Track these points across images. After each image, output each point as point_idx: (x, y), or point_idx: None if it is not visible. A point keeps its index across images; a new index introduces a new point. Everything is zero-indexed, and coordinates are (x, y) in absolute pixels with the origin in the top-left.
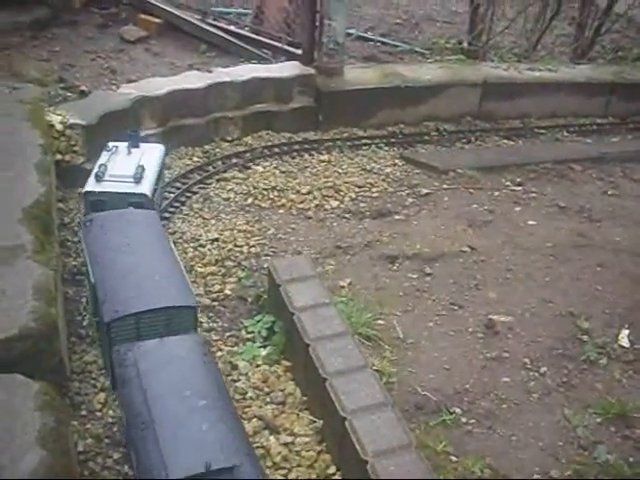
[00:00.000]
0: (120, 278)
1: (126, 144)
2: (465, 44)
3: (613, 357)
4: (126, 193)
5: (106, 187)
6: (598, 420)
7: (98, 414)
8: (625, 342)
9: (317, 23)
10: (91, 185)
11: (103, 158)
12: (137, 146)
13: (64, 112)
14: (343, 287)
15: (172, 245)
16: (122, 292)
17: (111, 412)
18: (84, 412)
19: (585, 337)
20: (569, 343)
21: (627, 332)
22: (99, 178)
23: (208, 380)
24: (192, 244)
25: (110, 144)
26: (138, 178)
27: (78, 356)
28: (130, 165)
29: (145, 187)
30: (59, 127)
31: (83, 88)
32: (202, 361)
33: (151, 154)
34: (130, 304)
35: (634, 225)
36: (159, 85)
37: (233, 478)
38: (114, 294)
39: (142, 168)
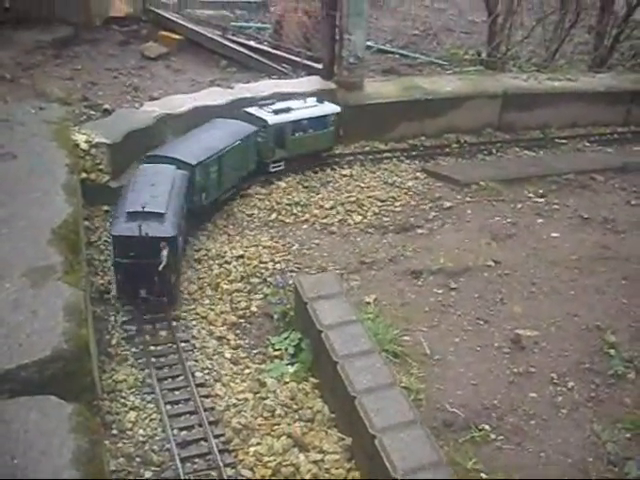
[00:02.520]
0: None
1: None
2: (484, 55)
3: None
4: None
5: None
6: (627, 435)
7: (129, 433)
8: None
9: (337, 37)
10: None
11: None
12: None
13: (89, 131)
14: (369, 303)
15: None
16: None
17: (141, 431)
18: (115, 431)
19: (612, 351)
20: (596, 357)
21: None
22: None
23: None
24: (217, 261)
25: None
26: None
27: (108, 375)
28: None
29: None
30: (84, 146)
31: (107, 106)
32: None
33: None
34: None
35: None
36: (181, 102)
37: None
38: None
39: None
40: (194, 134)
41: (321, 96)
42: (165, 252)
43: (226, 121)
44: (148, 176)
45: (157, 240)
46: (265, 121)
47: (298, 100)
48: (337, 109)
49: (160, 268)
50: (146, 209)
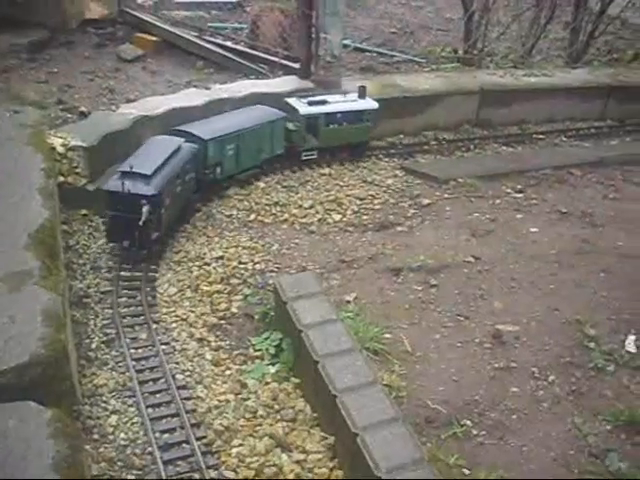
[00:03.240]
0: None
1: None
2: (461, 52)
3: (621, 363)
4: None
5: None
6: (608, 427)
7: (110, 437)
8: (632, 348)
9: (313, 36)
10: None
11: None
12: (363, 98)
13: (65, 134)
14: (349, 302)
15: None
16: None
17: (123, 435)
18: (96, 436)
19: (592, 344)
20: (576, 351)
21: (634, 338)
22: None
23: None
24: (197, 263)
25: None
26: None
27: (88, 379)
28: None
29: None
30: (60, 150)
31: (83, 109)
32: None
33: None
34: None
35: (636, 229)
36: (158, 104)
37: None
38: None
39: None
40: (224, 115)
41: (362, 91)
42: (145, 209)
43: (258, 107)
44: (153, 144)
45: (138, 197)
46: (297, 111)
47: (338, 94)
48: (375, 105)
49: (140, 223)
50: (134, 169)
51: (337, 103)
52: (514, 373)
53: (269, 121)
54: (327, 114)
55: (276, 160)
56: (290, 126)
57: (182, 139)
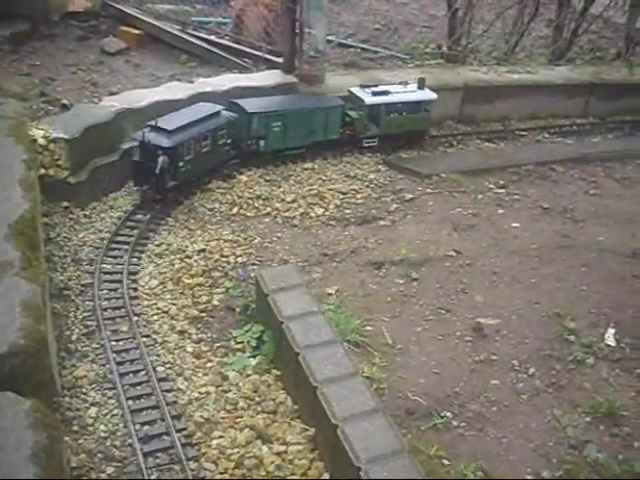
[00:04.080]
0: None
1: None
2: (445, 48)
3: (600, 356)
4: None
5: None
6: (587, 419)
7: (90, 429)
8: (611, 341)
9: (297, 31)
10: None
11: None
12: (422, 89)
13: (47, 126)
14: (330, 294)
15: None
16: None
17: (103, 427)
18: (76, 427)
19: (572, 337)
20: (556, 344)
21: (613, 331)
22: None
23: None
24: (179, 255)
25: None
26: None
27: (68, 371)
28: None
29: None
30: (42, 142)
31: (65, 101)
32: None
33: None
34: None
35: (616, 224)
36: (141, 97)
37: None
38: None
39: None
40: (287, 96)
41: (421, 83)
42: (161, 159)
43: (324, 95)
44: (192, 108)
45: (156, 148)
46: (362, 100)
47: (399, 85)
48: (434, 96)
49: (157, 171)
50: (158, 124)
51: (398, 94)
52: (494, 366)
53: (323, 107)
54: (388, 104)
55: (332, 145)
56: (352, 114)
57: (222, 107)
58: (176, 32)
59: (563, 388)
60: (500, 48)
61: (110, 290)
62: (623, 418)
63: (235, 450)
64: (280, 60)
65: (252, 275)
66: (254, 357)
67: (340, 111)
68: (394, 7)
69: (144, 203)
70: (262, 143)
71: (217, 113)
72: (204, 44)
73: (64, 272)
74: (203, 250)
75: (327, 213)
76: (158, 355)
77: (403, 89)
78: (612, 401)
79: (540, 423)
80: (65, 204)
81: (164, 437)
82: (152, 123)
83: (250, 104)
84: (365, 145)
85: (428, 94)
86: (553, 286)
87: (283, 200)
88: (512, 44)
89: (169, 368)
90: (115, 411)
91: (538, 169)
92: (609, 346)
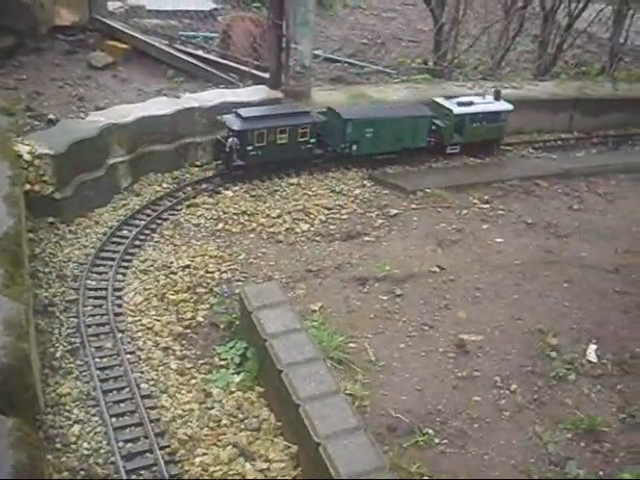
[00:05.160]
0: None
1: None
2: (431, 63)
3: (581, 372)
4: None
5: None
6: (568, 435)
7: (73, 446)
8: (593, 357)
9: (284, 46)
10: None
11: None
12: (499, 100)
13: (32, 142)
14: (315, 311)
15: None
16: None
17: (86, 444)
18: (59, 445)
19: (554, 353)
20: (538, 360)
21: (594, 347)
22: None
23: None
24: (163, 271)
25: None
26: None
27: (52, 388)
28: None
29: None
30: (27, 157)
31: (51, 116)
32: None
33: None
34: None
35: (599, 239)
36: (127, 112)
37: None
38: None
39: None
40: (379, 105)
41: (497, 94)
42: (230, 140)
43: (416, 104)
44: (282, 105)
45: (229, 130)
46: (451, 110)
47: (478, 96)
48: (510, 107)
49: (226, 149)
50: (238, 112)
51: (480, 104)
52: (477, 382)
53: (413, 116)
54: (472, 114)
55: (418, 152)
56: (439, 123)
57: (314, 110)
58: (163, 47)
59: (545, 404)
60: (486, 63)
61: (95, 306)
62: (604, 434)
63: (218, 467)
64: (266, 75)
65: (236, 291)
66: (238, 374)
67: (429, 120)
68: (381, 21)
69: (218, 174)
70: (355, 147)
71: (304, 113)
72: (191, 59)
73: (49, 288)
74: (188, 266)
75: (312, 229)
76: (142, 372)
77: (482, 100)
78: (593, 417)
79: (521, 439)
80: (50, 220)
81: (147, 454)
82: (237, 112)
83: (346, 111)
84: (448, 152)
85: (505, 105)
86: (536, 302)
87: (268, 215)
88: (498, 59)
89: (153, 385)
90: (98, 428)
91: (522, 184)
92: (590, 362)
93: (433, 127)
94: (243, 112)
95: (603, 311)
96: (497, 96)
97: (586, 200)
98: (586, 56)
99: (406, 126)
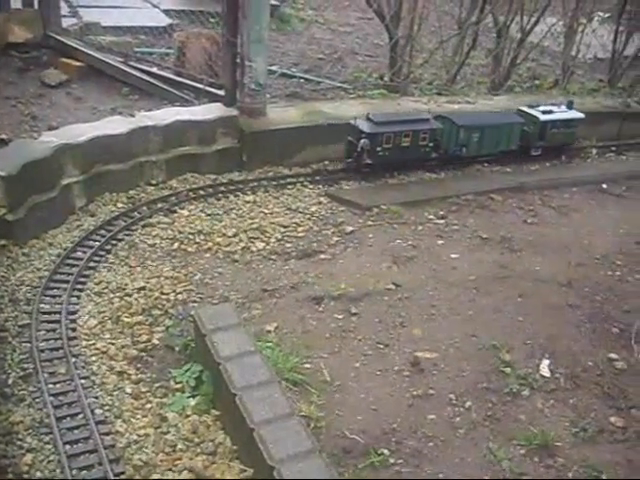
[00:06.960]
0: None
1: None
2: (387, 78)
3: (535, 387)
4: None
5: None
6: (522, 452)
7: (25, 476)
8: (546, 372)
9: (238, 64)
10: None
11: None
12: (571, 109)
13: None
14: (270, 331)
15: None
16: None
17: (39, 474)
18: (11, 475)
19: (508, 369)
20: (493, 376)
21: (547, 362)
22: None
23: None
24: (118, 294)
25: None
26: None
27: (4, 417)
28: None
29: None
30: None
31: (3, 137)
32: None
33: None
34: None
35: (552, 253)
36: (81, 131)
37: None
38: None
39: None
40: (482, 113)
41: (570, 104)
42: (362, 141)
43: (510, 113)
44: (407, 113)
45: (361, 132)
46: (537, 118)
47: (554, 105)
48: (581, 115)
49: (358, 149)
50: (369, 116)
51: (558, 112)
52: (432, 400)
53: (509, 122)
54: (554, 120)
55: (509, 153)
56: (527, 129)
57: (431, 116)
58: (118, 64)
59: (499, 421)
60: (441, 77)
61: (48, 331)
62: (557, 448)
63: None
64: (222, 93)
65: (191, 313)
66: (193, 397)
67: (521, 126)
68: (338, 36)
69: (348, 171)
70: (464, 150)
71: (425, 120)
72: (146, 76)
73: (1, 313)
74: (143, 288)
75: (268, 247)
76: (96, 397)
77: (558, 109)
78: (546, 432)
79: (476, 457)
80: (3, 242)
81: None
82: (367, 117)
83: (458, 118)
84: (533, 154)
85: (577, 113)
86: (490, 317)
87: (224, 234)
88: (452, 74)
89: (107, 410)
90: (52, 457)
91: (477, 198)
92: (544, 377)
93: (522, 132)
94: (374, 117)
95: (556, 325)
96: (570, 105)
97: (540, 214)
98: (540, 69)
99: (504, 131)
